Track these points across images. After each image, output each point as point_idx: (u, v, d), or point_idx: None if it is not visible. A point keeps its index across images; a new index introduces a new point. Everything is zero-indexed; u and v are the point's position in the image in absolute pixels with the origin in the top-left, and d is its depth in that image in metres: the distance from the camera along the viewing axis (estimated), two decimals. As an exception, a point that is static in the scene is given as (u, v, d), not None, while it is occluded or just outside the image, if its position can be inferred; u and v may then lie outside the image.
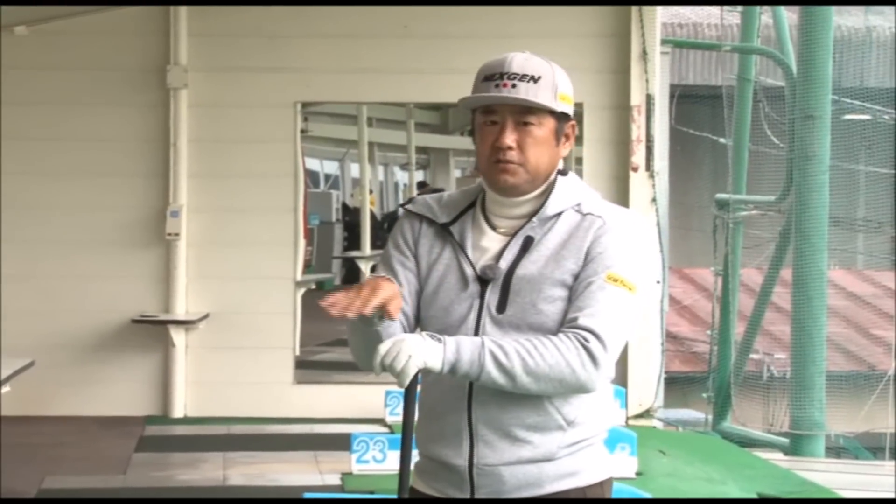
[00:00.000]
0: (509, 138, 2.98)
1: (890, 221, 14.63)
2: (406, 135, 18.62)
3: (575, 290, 2.94)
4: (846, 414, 13.28)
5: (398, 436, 2.98)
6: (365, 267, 16.09)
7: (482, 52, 3.26)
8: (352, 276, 17.50)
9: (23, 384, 8.27)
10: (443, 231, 3.07)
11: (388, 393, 9.51)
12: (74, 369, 10.14)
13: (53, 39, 10.22)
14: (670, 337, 14.44)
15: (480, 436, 2.96)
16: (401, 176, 22.51)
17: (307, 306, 10.67)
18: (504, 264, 2.98)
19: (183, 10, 10.19)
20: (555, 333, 2.90)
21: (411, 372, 2.82)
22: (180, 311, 10.23)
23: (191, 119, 10.23)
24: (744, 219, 13.93)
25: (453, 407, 2.98)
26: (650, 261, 3.03)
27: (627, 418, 9.97)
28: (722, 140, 14.45)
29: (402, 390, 2.87)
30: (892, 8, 15.99)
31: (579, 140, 10.34)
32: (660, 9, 10.58)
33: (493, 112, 3.00)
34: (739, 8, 14.52)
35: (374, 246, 16.59)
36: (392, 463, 7.12)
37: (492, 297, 2.97)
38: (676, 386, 14.33)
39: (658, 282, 10.36)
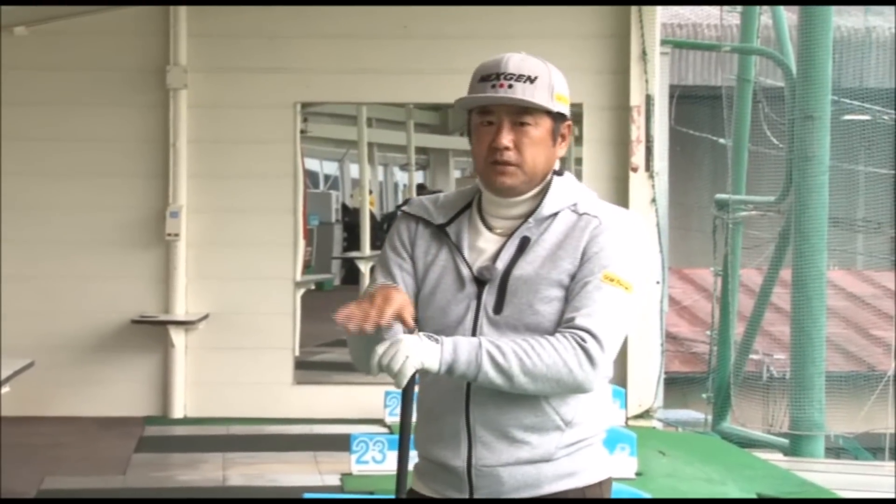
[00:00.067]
0: (506, 139, 2.98)
1: (889, 222, 14.63)
2: (406, 135, 18.61)
3: (571, 290, 2.94)
4: (846, 414, 13.28)
5: (397, 436, 2.98)
6: (364, 267, 16.08)
7: (482, 52, 3.26)
8: (351, 276, 17.49)
9: (22, 384, 8.28)
10: (439, 232, 3.07)
11: (387, 393, 9.51)
12: (74, 370, 10.15)
13: (53, 40, 10.22)
14: (670, 337, 14.44)
15: (478, 437, 2.96)
16: (400, 176, 22.49)
17: (307, 307, 10.68)
18: (501, 265, 2.98)
19: (183, 11, 10.20)
20: (552, 334, 2.90)
21: (408, 372, 2.83)
22: (180, 311, 10.23)
23: (190, 119, 10.23)
24: (743, 219, 13.93)
25: (451, 408, 2.98)
26: (646, 260, 3.03)
27: (627, 419, 9.97)
28: (721, 140, 14.45)
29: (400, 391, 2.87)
30: (892, 8, 15.99)
31: (579, 140, 10.35)
32: (659, 9, 10.59)
33: (489, 112, 3.00)
34: (739, 8, 14.52)
35: (373, 246, 16.57)
36: (391, 463, 7.09)
37: (488, 297, 2.97)
38: (676, 386, 14.33)
39: (658, 282, 10.38)
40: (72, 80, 10.25)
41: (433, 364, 2.84)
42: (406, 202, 3.14)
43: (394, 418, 9.34)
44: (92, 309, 10.18)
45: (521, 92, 2.95)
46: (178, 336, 10.11)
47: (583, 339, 2.87)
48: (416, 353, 2.82)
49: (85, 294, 10.19)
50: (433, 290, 3.03)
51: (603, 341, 2.88)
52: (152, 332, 10.14)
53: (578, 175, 10.03)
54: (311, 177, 18.89)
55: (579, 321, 2.89)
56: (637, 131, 10.20)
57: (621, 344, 2.96)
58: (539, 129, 2.99)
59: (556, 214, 3.01)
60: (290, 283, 10.43)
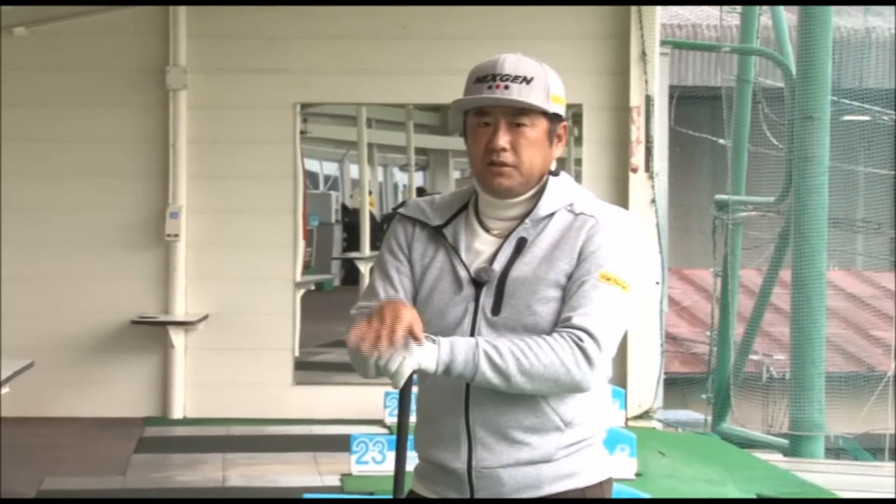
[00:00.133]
0: (503, 140, 2.98)
1: (889, 222, 14.63)
2: (405, 136, 18.61)
3: (568, 289, 2.93)
4: (845, 415, 13.28)
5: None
6: (364, 268, 16.08)
7: (482, 52, 3.26)
8: (351, 277, 17.50)
9: (22, 385, 8.28)
10: (436, 234, 3.06)
11: (387, 394, 9.51)
12: (74, 370, 10.15)
13: (53, 40, 10.22)
14: (670, 338, 14.44)
15: (478, 439, 2.96)
16: (400, 177, 22.48)
17: (306, 307, 10.68)
18: (498, 266, 2.98)
19: (182, 11, 10.20)
20: (549, 334, 2.90)
21: (406, 373, 2.83)
22: (179, 312, 10.23)
23: (190, 120, 10.24)
24: (743, 220, 13.93)
25: (450, 410, 2.98)
26: (643, 259, 3.03)
27: (627, 419, 9.97)
28: (721, 141, 14.45)
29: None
30: (892, 8, 15.99)
31: (579, 141, 10.35)
32: (659, 10, 10.59)
33: (485, 114, 2.99)
34: (739, 9, 14.52)
35: (373, 247, 16.57)
36: (391, 464, 7.10)
37: (486, 299, 2.97)
38: (676, 387, 14.33)
39: (657, 283, 10.37)
40: (71, 80, 10.25)
41: (430, 364, 2.84)
42: (402, 204, 3.14)
43: (393, 419, 9.34)
44: (92, 309, 10.18)
45: (517, 93, 2.95)
46: (177, 337, 10.11)
47: (580, 339, 2.87)
48: (413, 353, 2.82)
49: (84, 294, 10.19)
50: (431, 293, 3.03)
51: (600, 340, 2.88)
52: (152, 332, 10.14)
53: (578, 176, 10.04)
54: (310, 177, 18.90)
55: (576, 320, 2.88)
56: (637, 132, 10.20)
57: (619, 343, 2.95)
58: (535, 130, 2.99)
59: (552, 215, 3.01)
60: (290, 283, 10.43)
